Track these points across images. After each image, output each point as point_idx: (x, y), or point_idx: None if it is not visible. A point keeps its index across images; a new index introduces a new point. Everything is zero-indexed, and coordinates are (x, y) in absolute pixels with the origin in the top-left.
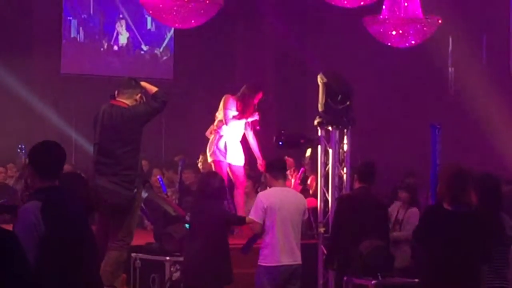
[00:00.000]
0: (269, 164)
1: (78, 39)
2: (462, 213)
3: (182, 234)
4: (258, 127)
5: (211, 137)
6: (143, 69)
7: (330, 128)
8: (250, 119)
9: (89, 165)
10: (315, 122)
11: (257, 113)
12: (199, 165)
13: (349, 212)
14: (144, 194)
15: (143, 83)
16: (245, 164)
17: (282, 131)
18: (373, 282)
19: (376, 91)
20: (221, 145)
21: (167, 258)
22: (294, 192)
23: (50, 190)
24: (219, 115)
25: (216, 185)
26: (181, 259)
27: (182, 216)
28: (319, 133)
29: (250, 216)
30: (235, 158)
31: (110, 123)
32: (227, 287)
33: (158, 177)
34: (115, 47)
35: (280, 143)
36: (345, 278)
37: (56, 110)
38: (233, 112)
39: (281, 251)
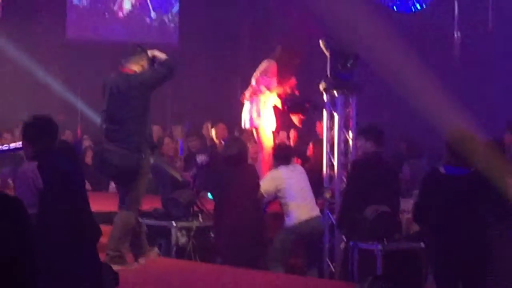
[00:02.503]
0: (274, 153)
1: (83, 5)
2: (459, 176)
3: (188, 200)
4: (296, 92)
5: (250, 102)
6: (148, 35)
7: (335, 93)
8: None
9: (95, 130)
10: (321, 87)
11: (294, 78)
12: (211, 132)
13: (363, 177)
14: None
15: (152, 51)
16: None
17: (288, 97)
18: (378, 247)
19: (381, 57)
20: (265, 109)
21: (174, 223)
22: (296, 166)
23: (44, 152)
24: (261, 80)
25: (244, 150)
26: (187, 224)
27: (189, 182)
28: (325, 98)
29: (261, 189)
30: (266, 122)
31: (118, 90)
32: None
33: (179, 139)
34: (120, 13)
35: (286, 107)
36: (351, 243)
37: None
38: (276, 79)
39: (299, 212)
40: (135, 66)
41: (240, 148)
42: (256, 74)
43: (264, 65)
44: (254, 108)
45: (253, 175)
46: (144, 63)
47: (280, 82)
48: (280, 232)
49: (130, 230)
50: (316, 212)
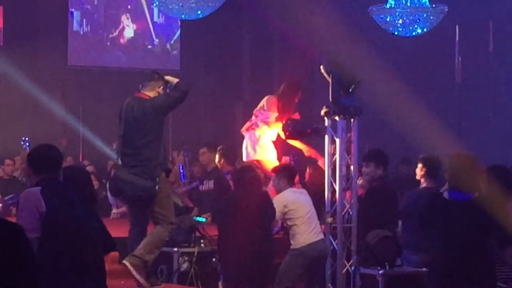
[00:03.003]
0: (279, 171)
1: (84, 32)
2: (463, 201)
3: (190, 225)
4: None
5: (247, 135)
6: (150, 61)
7: (337, 118)
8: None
9: (97, 156)
10: (322, 112)
11: (297, 113)
12: (216, 159)
13: (379, 203)
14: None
15: (166, 76)
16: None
17: (289, 122)
18: (380, 272)
19: (382, 81)
20: (261, 143)
21: (175, 249)
22: (302, 190)
23: (47, 179)
24: (259, 114)
25: (256, 176)
26: (188, 250)
27: (190, 207)
28: (326, 123)
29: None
30: (269, 154)
31: (132, 115)
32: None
33: (180, 164)
34: (121, 40)
35: (287, 133)
36: (352, 268)
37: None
38: (274, 113)
39: (305, 235)
40: (151, 92)
41: (250, 173)
42: (256, 108)
43: (264, 100)
44: (249, 142)
45: (265, 200)
46: (160, 89)
47: (282, 117)
48: (287, 255)
49: (160, 245)
50: (321, 235)
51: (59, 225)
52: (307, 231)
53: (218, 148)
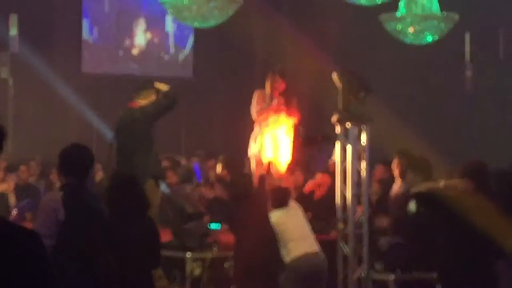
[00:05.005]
0: (271, 199)
1: (95, 41)
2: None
3: (203, 231)
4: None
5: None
6: (162, 69)
7: (348, 124)
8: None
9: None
10: (333, 119)
11: (282, 101)
12: (218, 168)
13: None
14: (166, 190)
15: (156, 84)
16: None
17: (300, 129)
18: (392, 277)
19: (393, 88)
20: (257, 139)
21: (188, 254)
22: (293, 204)
23: (72, 185)
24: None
25: (248, 185)
26: (201, 255)
27: (202, 213)
28: (337, 130)
29: None
30: (274, 153)
31: (122, 124)
32: None
33: (194, 163)
34: (133, 49)
35: (299, 141)
36: (363, 274)
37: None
38: (253, 106)
39: (294, 249)
40: (144, 101)
41: (244, 185)
42: None
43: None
44: (259, 137)
45: (263, 206)
46: (153, 97)
47: (267, 108)
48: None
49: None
50: (313, 248)
51: (74, 235)
52: (294, 245)
53: (219, 157)
